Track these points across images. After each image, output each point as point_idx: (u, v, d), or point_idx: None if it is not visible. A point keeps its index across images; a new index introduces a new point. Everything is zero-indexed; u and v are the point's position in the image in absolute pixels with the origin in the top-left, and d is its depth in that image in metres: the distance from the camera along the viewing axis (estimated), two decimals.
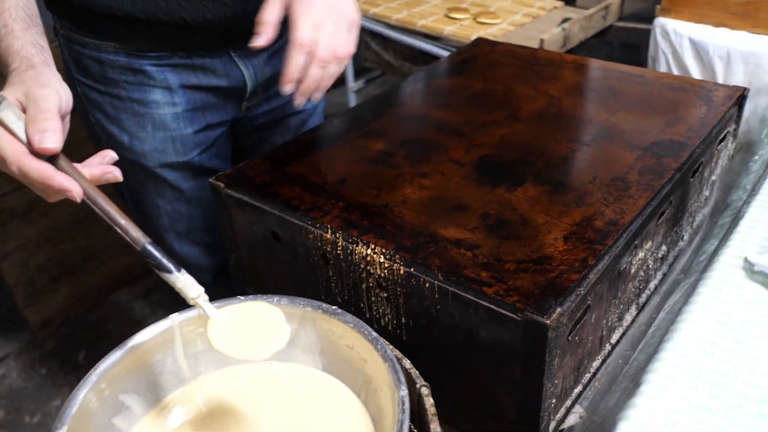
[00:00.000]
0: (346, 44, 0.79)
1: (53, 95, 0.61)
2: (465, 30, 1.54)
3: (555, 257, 0.68)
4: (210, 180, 0.85)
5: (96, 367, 0.60)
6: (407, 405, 0.55)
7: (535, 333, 0.61)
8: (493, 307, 0.63)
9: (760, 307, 0.60)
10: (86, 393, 0.58)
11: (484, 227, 0.73)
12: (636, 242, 0.76)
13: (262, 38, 0.77)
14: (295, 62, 0.76)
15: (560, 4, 1.69)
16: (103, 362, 0.61)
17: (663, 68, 1.30)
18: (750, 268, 0.63)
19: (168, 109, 0.96)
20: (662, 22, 1.28)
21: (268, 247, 0.84)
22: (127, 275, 2.00)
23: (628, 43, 1.56)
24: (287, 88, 0.78)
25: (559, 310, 0.61)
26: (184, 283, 0.58)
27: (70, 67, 0.96)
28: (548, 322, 0.60)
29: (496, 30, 1.53)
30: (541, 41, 1.43)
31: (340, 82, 2.44)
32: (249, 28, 0.78)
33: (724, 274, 0.63)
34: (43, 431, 1.58)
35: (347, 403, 0.64)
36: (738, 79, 1.19)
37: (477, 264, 0.67)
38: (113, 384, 0.61)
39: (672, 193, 0.82)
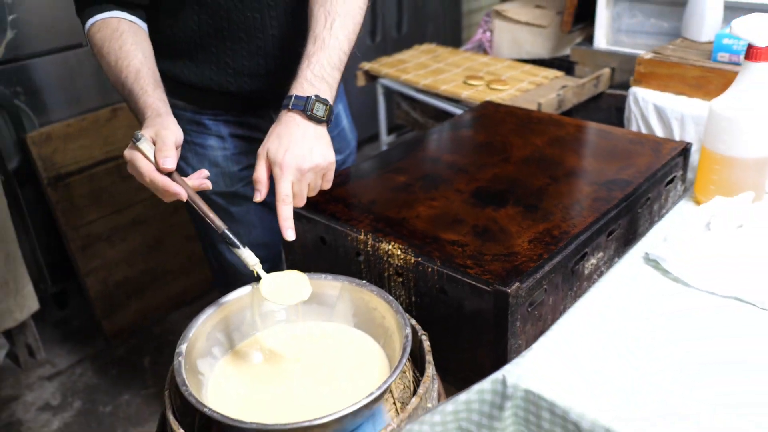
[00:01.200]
0: (324, 183, 0.97)
1: (171, 135, 0.91)
2: (479, 94, 1.84)
3: (520, 253, 0.94)
4: None
5: (198, 317, 0.88)
6: (410, 339, 0.81)
7: (501, 300, 0.87)
8: (473, 282, 0.90)
9: (652, 287, 0.83)
10: (196, 329, 0.86)
11: (473, 233, 1.00)
12: (586, 250, 1.02)
13: (258, 195, 0.92)
14: (284, 214, 0.90)
15: (561, 74, 1.99)
16: (203, 313, 0.89)
17: (634, 127, 1.57)
18: (647, 258, 0.87)
19: (220, 152, 1.26)
20: (634, 90, 1.55)
21: (317, 249, 1.12)
22: (185, 296, 2.29)
23: (616, 107, 1.84)
24: (287, 234, 0.89)
25: (517, 284, 0.87)
26: (247, 255, 0.87)
27: None
28: (509, 291, 0.86)
29: (505, 95, 1.82)
30: (539, 104, 1.71)
31: (374, 136, 2.74)
32: (280, 96, 0.98)
33: (627, 264, 0.88)
34: (113, 419, 1.85)
35: (370, 348, 0.91)
36: (690, 137, 1.45)
37: (465, 256, 0.94)
38: (209, 327, 0.88)
39: (619, 217, 1.08)
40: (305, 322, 0.96)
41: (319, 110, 0.96)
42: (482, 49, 2.40)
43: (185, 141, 1.22)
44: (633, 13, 1.83)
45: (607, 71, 1.88)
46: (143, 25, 1.07)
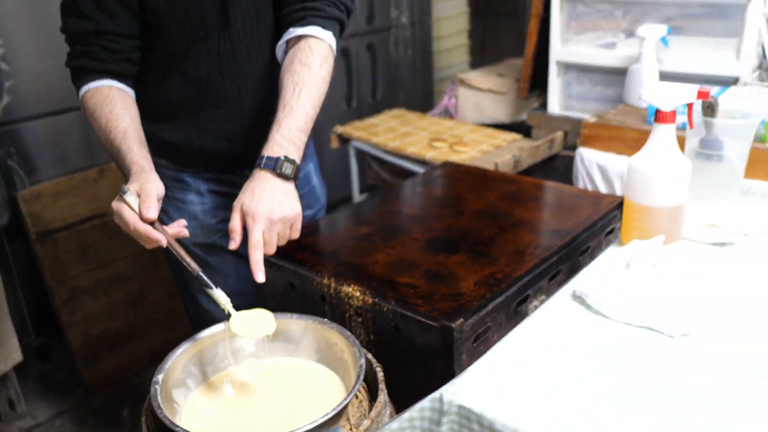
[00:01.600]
0: (293, 233, 1.10)
1: (153, 188, 1.02)
2: (442, 155, 1.97)
3: (466, 293, 1.05)
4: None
5: (175, 350, 0.97)
6: (364, 368, 0.90)
7: (447, 335, 0.97)
8: (423, 319, 1.00)
9: (575, 320, 0.93)
10: (172, 361, 0.95)
11: (425, 277, 1.11)
12: (528, 292, 1.13)
13: (233, 243, 1.04)
14: (255, 258, 1.01)
15: (519, 137, 2.14)
16: (179, 347, 0.97)
17: (581, 184, 1.70)
18: (574, 294, 0.98)
19: (198, 206, 1.37)
20: (581, 151, 1.70)
21: (287, 293, 1.21)
22: (165, 350, 2.34)
23: (569, 167, 1.98)
24: (258, 277, 1.01)
25: (461, 320, 0.98)
26: (219, 294, 0.96)
27: None
28: (454, 326, 0.96)
29: (466, 156, 1.96)
30: (496, 164, 1.85)
31: (348, 198, 2.86)
32: (255, 156, 1.10)
33: (557, 299, 0.98)
34: None
35: (331, 379, 1.00)
36: None
37: (417, 296, 1.05)
38: (184, 360, 0.97)
39: (560, 263, 1.20)
40: (273, 357, 1.05)
41: (287, 169, 1.08)
42: (448, 113, 2.56)
43: (167, 196, 1.33)
44: (581, 81, 2.00)
45: (560, 134, 2.03)
46: (131, 92, 1.20)
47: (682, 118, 1.25)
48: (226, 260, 1.41)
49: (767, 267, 1.02)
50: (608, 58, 1.93)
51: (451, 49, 3.76)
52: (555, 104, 2.09)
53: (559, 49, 2.02)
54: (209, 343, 1.01)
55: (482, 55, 4.10)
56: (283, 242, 1.07)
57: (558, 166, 2.01)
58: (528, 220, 1.32)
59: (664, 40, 1.77)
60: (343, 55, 3.09)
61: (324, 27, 1.20)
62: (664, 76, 1.80)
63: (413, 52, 3.47)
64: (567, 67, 2.04)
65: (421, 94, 3.60)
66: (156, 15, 1.16)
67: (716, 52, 1.74)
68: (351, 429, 0.94)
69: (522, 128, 2.25)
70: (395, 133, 2.22)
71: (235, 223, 1.04)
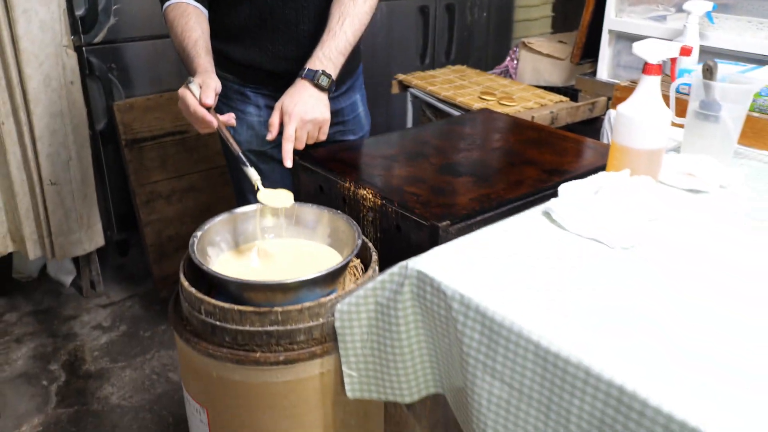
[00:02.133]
0: (321, 135, 1.31)
1: (213, 83, 1.24)
2: (489, 107, 2.12)
3: (460, 205, 1.22)
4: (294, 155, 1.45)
5: (214, 218, 1.19)
6: (360, 243, 1.10)
7: (434, 233, 1.15)
8: (417, 219, 1.18)
9: (538, 228, 1.08)
10: (210, 225, 1.17)
11: (429, 190, 1.28)
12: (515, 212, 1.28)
13: (269, 135, 1.27)
14: (287, 148, 1.25)
15: (566, 99, 2.25)
16: (219, 216, 1.20)
17: (605, 140, 1.81)
18: (543, 211, 1.13)
19: (256, 118, 1.57)
20: (610, 112, 1.81)
21: (317, 195, 1.42)
22: None
23: None
24: (287, 163, 1.24)
25: (447, 222, 1.15)
26: (252, 172, 1.18)
27: None
28: (440, 225, 1.14)
29: (510, 109, 2.10)
30: (533, 117, 1.98)
31: None
32: None
33: (530, 212, 1.13)
34: (150, 342, 2.18)
35: (336, 258, 1.20)
36: None
37: (417, 202, 1.23)
38: (220, 227, 1.20)
39: (551, 195, 1.34)
40: (292, 238, 1.26)
41: (324, 81, 1.28)
42: (508, 74, 2.67)
43: (229, 106, 1.56)
44: (630, 51, 2.08)
45: (603, 99, 2.13)
46: (204, 11, 1.42)
47: (687, 79, 1.35)
48: (275, 169, 1.63)
49: (730, 215, 1.14)
50: (657, 30, 2.01)
51: (534, 19, 3.83)
52: (604, 71, 2.18)
53: (613, 19, 2.11)
54: (243, 217, 1.23)
55: (563, 28, 4.13)
56: (311, 141, 1.28)
57: (598, 128, 2.11)
58: (537, 160, 1.47)
59: (709, 16, 1.84)
60: (421, 12, 3.24)
61: None
62: (707, 51, 1.87)
63: (491, 17, 3.57)
64: (619, 36, 2.13)
65: (493, 58, 3.70)
66: None
67: (759, 32, 1.80)
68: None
69: (572, 92, 2.35)
70: (451, 84, 2.37)
71: (275, 119, 1.25)
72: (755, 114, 1.48)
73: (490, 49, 3.65)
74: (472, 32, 3.49)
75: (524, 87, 2.39)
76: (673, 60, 1.19)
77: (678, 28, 1.92)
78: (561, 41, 2.56)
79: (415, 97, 2.41)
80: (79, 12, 2.20)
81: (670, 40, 1.93)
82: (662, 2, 2.01)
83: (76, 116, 2.14)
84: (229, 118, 1.26)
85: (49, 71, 2.03)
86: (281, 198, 1.18)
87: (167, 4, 1.39)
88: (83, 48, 2.24)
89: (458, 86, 2.35)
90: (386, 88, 2.65)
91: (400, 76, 2.48)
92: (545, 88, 2.47)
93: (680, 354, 0.79)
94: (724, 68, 1.56)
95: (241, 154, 1.19)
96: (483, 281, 0.92)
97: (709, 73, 1.28)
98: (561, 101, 2.22)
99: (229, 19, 1.48)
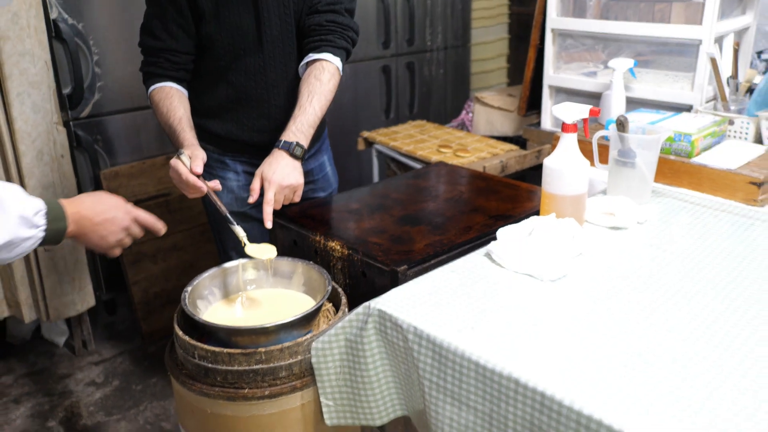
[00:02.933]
0: (295, 198, 1.50)
1: (201, 153, 1.43)
2: (445, 158, 2.32)
3: (416, 251, 1.40)
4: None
5: (203, 273, 1.36)
6: (330, 289, 1.27)
7: (394, 277, 1.33)
8: (380, 266, 1.36)
9: (480, 267, 1.26)
10: (199, 280, 1.34)
11: (390, 239, 1.47)
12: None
13: (251, 198, 1.46)
14: (267, 210, 1.42)
15: (516, 147, 2.47)
16: (206, 272, 1.36)
17: None
18: (486, 252, 1.31)
19: (235, 182, 1.76)
20: None
21: (291, 248, 1.59)
22: None
23: None
24: (267, 224, 1.42)
25: (405, 266, 1.33)
26: (238, 230, 1.35)
27: None
28: (398, 270, 1.32)
29: (465, 160, 2.31)
30: (484, 167, 2.19)
31: None
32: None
33: (474, 254, 1.33)
34: (142, 395, 2.30)
35: (309, 302, 1.37)
36: None
37: (380, 251, 1.41)
38: (208, 281, 1.36)
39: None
40: (272, 288, 1.43)
41: (298, 151, 1.47)
42: (464, 126, 2.90)
43: (211, 174, 1.74)
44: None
45: (548, 146, 2.35)
46: (185, 92, 1.61)
47: (606, 132, 1.56)
48: (255, 226, 1.80)
49: (643, 246, 1.33)
50: (589, 84, 2.25)
51: (490, 71, 4.11)
52: (547, 121, 2.41)
53: (551, 75, 2.35)
54: (227, 272, 1.40)
55: (520, 78, 4.41)
56: (287, 202, 1.47)
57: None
58: (484, 207, 1.66)
59: (632, 71, 2.08)
60: (384, 72, 3.48)
61: (334, 54, 1.61)
62: (632, 101, 2.10)
63: (449, 72, 3.83)
64: (558, 90, 2.36)
65: (453, 110, 3.95)
66: (208, 39, 1.57)
67: (675, 83, 2.04)
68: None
69: (522, 141, 2.58)
70: (412, 139, 2.59)
71: (256, 185, 1.45)
72: (672, 157, 1.70)
73: (449, 102, 3.90)
74: (434, 87, 3.74)
75: (478, 138, 2.61)
76: (585, 120, 1.39)
77: (606, 82, 2.16)
78: (510, 94, 2.80)
79: (379, 152, 2.62)
80: (66, 90, 2.38)
81: (600, 93, 2.17)
82: (592, 59, 2.25)
83: (67, 186, 2.31)
84: (216, 184, 1.44)
85: (42, 147, 2.20)
86: (266, 251, 1.36)
87: (152, 88, 1.58)
88: (71, 123, 2.42)
89: (418, 140, 2.56)
90: (355, 144, 2.86)
91: (365, 134, 2.69)
92: (498, 137, 2.70)
93: (595, 360, 0.97)
94: (644, 116, 1.79)
95: (228, 214, 1.37)
96: (432, 315, 1.10)
97: (621, 126, 1.50)
98: (511, 150, 2.44)
99: (209, 99, 1.67)
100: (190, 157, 1.42)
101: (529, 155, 2.30)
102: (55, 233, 1.11)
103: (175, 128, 1.51)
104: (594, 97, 2.23)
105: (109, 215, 1.19)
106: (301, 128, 1.51)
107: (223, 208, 1.39)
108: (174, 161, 1.42)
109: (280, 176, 1.44)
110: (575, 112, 1.35)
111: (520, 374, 0.95)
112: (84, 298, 2.40)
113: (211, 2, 1.53)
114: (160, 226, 1.28)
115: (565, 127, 1.35)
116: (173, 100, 1.55)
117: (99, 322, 2.74)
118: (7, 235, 1.04)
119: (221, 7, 1.54)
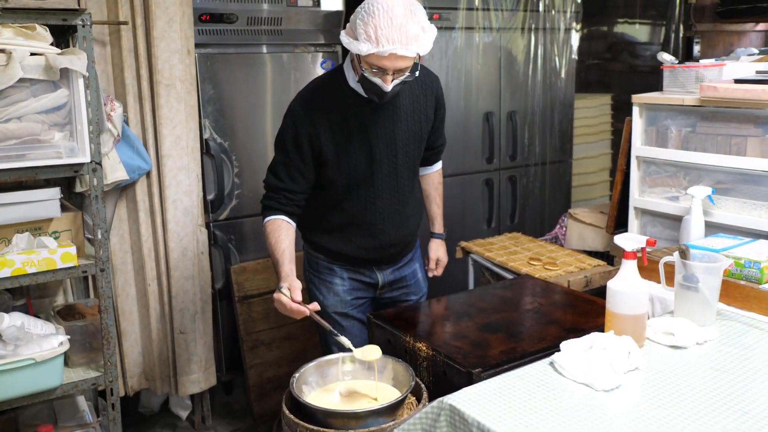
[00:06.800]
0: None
1: (298, 285, 1.73)
2: (534, 270, 2.50)
3: (492, 356, 1.59)
4: (369, 315, 1.88)
5: (308, 363, 1.61)
6: (412, 386, 1.48)
7: (470, 378, 1.52)
8: (459, 367, 1.56)
9: (544, 375, 1.41)
10: (304, 369, 1.59)
11: (470, 344, 1.67)
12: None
13: (436, 273, 2.20)
14: (438, 273, 2.08)
15: (604, 263, 2.60)
16: (311, 362, 1.62)
17: None
18: (550, 362, 1.47)
19: (340, 287, 2.04)
20: None
21: (386, 346, 1.83)
22: None
23: None
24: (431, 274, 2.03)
25: (479, 369, 1.52)
26: (344, 339, 1.60)
27: (305, 262, 2.10)
28: (474, 372, 1.51)
29: (552, 273, 2.47)
30: (569, 282, 2.34)
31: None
32: (382, 260, 1.89)
33: (540, 363, 1.49)
34: None
35: (395, 394, 1.58)
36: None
37: (459, 354, 1.61)
38: (312, 370, 1.62)
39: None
40: (366, 379, 1.66)
41: (444, 237, 2.03)
42: (557, 240, 3.07)
43: (320, 278, 2.04)
44: (654, 223, 2.46)
45: None
46: (293, 225, 1.91)
47: (671, 258, 1.71)
48: (354, 325, 2.07)
49: (700, 365, 1.45)
50: (671, 208, 2.38)
51: (592, 184, 4.27)
52: None
53: (637, 198, 2.51)
54: (329, 364, 1.65)
55: None
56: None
57: None
58: (560, 320, 1.83)
59: (710, 199, 2.21)
60: (486, 184, 3.74)
61: (438, 161, 2.15)
62: (712, 226, 2.22)
63: (548, 185, 4.03)
64: (643, 212, 2.51)
65: (550, 221, 4.11)
66: (328, 180, 1.91)
67: (753, 211, 2.15)
68: None
69: (609, 257, 2.71)
70: (506, 251, 2.79)
71: (432, 263, 2.18)
72: (742, 282, 1.80)
73: (546, 214, 4.08)
74: (530, 200, 3.95)
75: (569, 252, 2.77)
76: (643, 249, 1.57)
77: (687, 206, 2.30)
78: (602, 212, 2.95)
79: (474, 261, 2.84)
80: (210, 196, 2.82)
81: (681, 216, 2.30)
82: (674, 185, 2.40)
83: (203, 279, 2.69)
84: (315, 305, 1.72)
85: (187, 245, 2.61)
86: (372, 352, 1.60)
87: (267, 219, 1.92)
88: (210, 224, 2.83)
89: (512, 252, 2.76)
90: (452, 251, 3.09)
91: (463, 243, 2.93)
92: (589, 252, 2.84)
93: None
94: (720, 241, 1.92)
95: (332, 329, 1.65)
96: (495, 413, 1.28)
97: (683, 254, 1.65)
98: (598, 265, 2.58)
99: (324, 221, 1.99)
100: (289, 289, 1.71)
101: (614, 271, 2.43)
102: None
103: (278, 259, 1.82)
104: (676, 220, 2.36)
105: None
106: (441, 222, 2.23)
107: (326, 325, 1.68)
108: (277, 294, 1.72)
109: (443, 256, 2.23)
110: (634, 241, 1.53)
111: None
112: (207, 377, 2.73)
113: (332, 152, 1.87)
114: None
115: (625, 255, 1.53)
116: (281, 232, 1.87)
117: (217, 400, 3.05)
118: None
119: (341, 154, 1.87)
